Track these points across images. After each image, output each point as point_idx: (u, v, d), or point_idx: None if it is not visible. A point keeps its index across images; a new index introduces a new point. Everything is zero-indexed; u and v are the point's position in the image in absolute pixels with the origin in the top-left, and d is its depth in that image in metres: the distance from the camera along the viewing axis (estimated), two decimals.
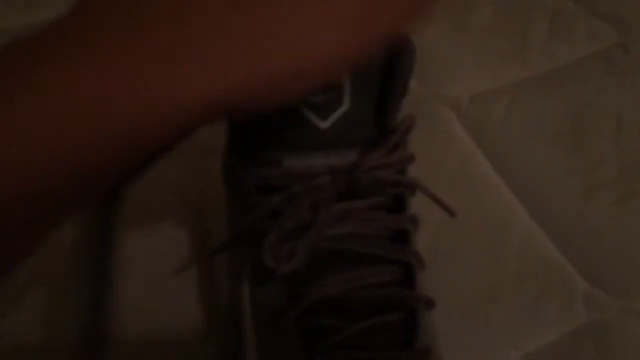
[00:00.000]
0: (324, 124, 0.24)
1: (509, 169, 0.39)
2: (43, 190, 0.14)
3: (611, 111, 0.41)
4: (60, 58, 0.14)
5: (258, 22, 0.15)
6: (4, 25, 0.41)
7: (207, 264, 0.34)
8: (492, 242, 0.35)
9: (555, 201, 0.37)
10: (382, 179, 0.25)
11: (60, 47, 0.14)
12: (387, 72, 0.24)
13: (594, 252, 0.34)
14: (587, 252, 0.34)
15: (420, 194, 0.27)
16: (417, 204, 0.27)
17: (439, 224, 0.36)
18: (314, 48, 0.15)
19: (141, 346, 0.30)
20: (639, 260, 0.34)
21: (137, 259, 0.32)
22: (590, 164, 0.38)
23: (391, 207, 0.26)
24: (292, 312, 0.23)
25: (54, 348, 0.30)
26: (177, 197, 0.37)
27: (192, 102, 0.14)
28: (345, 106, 0.24)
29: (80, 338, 0.23)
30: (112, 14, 0.15)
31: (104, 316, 0.22)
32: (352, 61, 0.16)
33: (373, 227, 0.25)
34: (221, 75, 0.14)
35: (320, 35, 0.15)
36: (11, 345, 0.30)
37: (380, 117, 0.25)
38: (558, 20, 0.48)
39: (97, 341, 0.23)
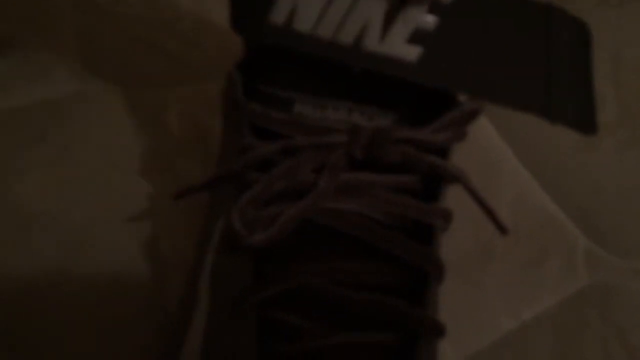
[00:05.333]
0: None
1: (498, 113, 0.34)
2: None
3: (608, 48, 0.37)
4: None
5: None
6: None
7: (164, 214, 0.28)
8: (483, 195, 0.31)
9: (550, 149, 0.33)
10: (414, 157, 0.19)
11: None
12: None
13: (595, 206, 0.30)
14: (587, 207, 0.30)
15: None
16: None
17: None
18: None
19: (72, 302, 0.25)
20: None
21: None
22: None
23: (419, 193, 0.20)
24: (254, 296, 0.18)
25: None
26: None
27: None
28: None
29: None
30: None
31: None
32: None
33: (389, 212, 0.19)
34: None
35: None
36: None
37: None
38: None
39: None
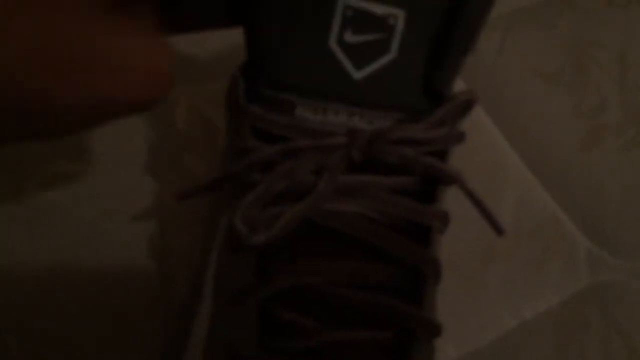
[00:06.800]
0: (358, 74, 0.18)
1: (502, 111, 0.34)
2: None
3: (614, 48, 0.37)
4: None
5: None
6: None
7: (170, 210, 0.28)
8: (486, 196, 0.31)
9: (553, 149, 0.33)
10: (412, 159, 0.19)
11: None
12: (451, 15, 0.18)
13: (597, 207, 0.31)
14: (589, 208, 0.31)
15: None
16: None
17: None
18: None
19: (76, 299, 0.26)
20: None
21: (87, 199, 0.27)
22: (593, 106, 0.34)
23: (417, 195, 0.20)
24: (255, 294, 0.18)
25: None
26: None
27: None
28: (390, 55, 0.18)
29: None
30: None
31: None
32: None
33: (387, 213, 0.19)
34: None
35: None
36: None
37: (432, 77, 0.19)
38: None
39: None
